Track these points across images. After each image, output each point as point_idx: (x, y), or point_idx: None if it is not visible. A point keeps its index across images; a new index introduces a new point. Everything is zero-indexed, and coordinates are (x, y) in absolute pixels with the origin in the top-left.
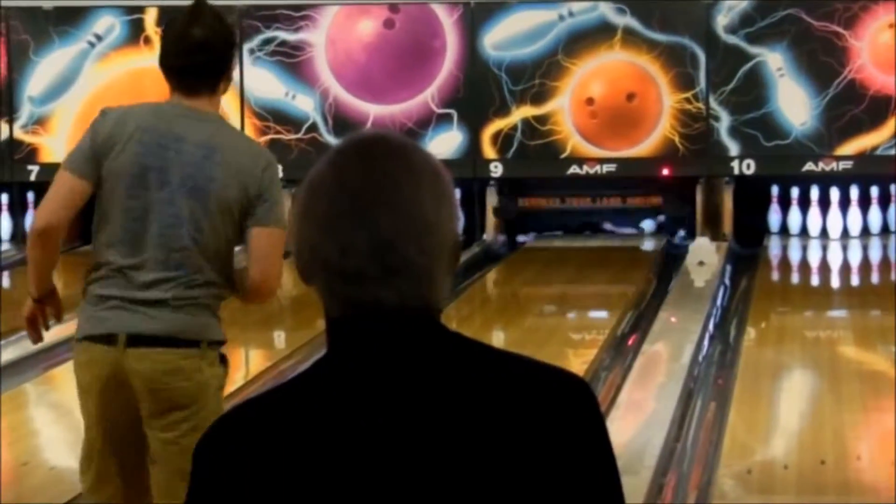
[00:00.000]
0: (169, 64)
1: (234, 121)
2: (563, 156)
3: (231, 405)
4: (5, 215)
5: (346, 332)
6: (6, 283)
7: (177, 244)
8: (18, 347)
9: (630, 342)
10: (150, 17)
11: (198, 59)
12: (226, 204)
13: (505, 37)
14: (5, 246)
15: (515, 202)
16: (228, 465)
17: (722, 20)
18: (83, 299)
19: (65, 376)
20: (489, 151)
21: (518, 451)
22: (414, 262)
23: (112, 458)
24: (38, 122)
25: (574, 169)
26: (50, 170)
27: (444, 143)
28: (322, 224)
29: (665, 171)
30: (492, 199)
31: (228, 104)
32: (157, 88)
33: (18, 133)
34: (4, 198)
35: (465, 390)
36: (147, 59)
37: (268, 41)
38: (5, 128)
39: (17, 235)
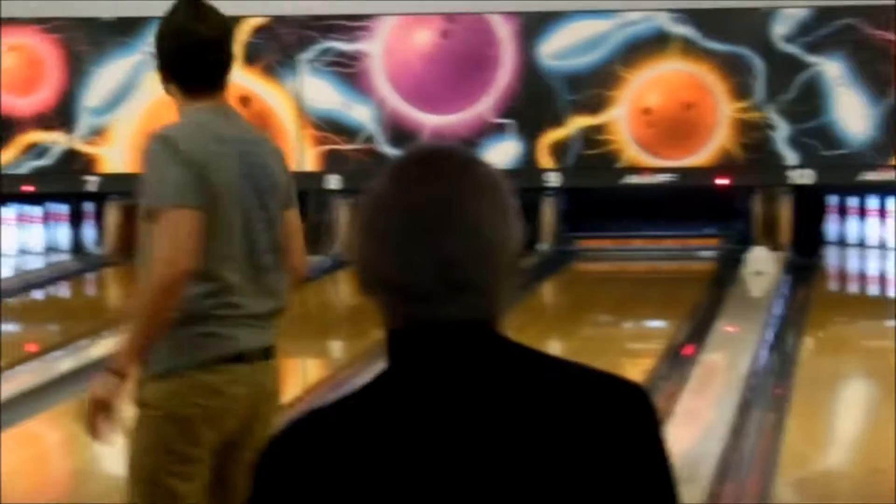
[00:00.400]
0: (195, 65)
1: (292, 131)
2: (620, 165)
3: (289, 417)
4: (65, 225)
5: (410, 345)
6: (65, 293)
7: (270, 251)
8: (79, 357)
9: (687, 352)
10: None
11: (222, 55)
12: (283, 194)
13: (561, 46)
14: (64, 256)
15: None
16: (290, 479)
17: (780, 29)
18: (179, 321)
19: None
20: (545, 161)
21: (579, 458)
22: (477, 279)
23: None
24: (96, 133)
25: (631, 178)
26: (108, 180)
27: (501, 153)
28: (385, 242)
29: (722, 181)
30: (547, 211)
31: (286, 114)
32: None
33: (77, 144)
34: (64, 208)
35: (529, 401)
36: None
37: (325, 51)
38: (65, 138)
39: (76, 247)
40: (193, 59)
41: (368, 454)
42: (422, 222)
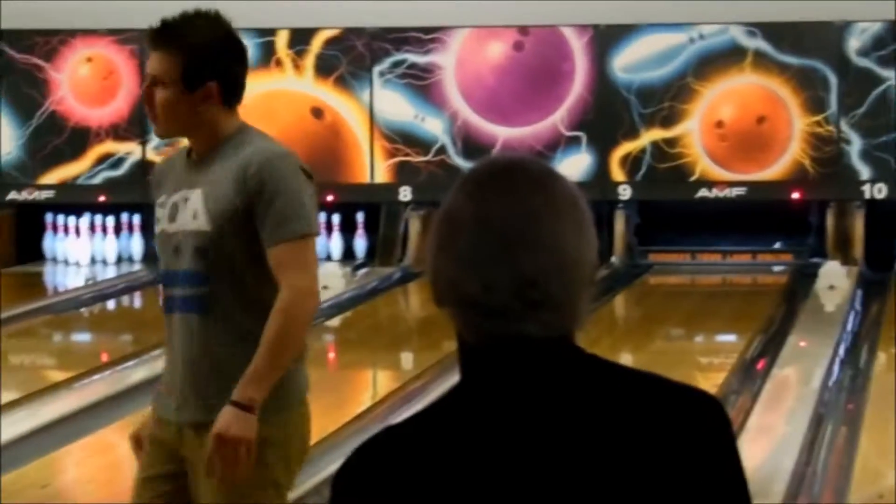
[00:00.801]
0: (244, 79)
1: (364, 143)
2: (692, 179)
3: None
4: (138, 236)
5: (487, 361)
6: (138, 303)
7: None
8: (151, 367)
9: (759, 366)
10: (282, 39)
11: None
12: None
13: (634, 59)
14: (136, 267)
15: None
16: (367, 497)
17: (854, 43)
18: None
19: None
20: (618, 174)
21: (658, 471)
22: (556, 296)
23: None
24: (170, 144)
25: (703, 192)
26: None
27: (573, 166)
28: (462, 260)
29: (795, 195)
30: (619, 224)
31: (358, 126)
32: (289, 110)
33: (151, 154)
34: (137, 219)
35: (608, 414)
36: (279, 81)
37: (397, 63)
38: (138, 149)
39: (148, 257)
40: (244, 72)
41: (446, 471)
42: (500, 240)
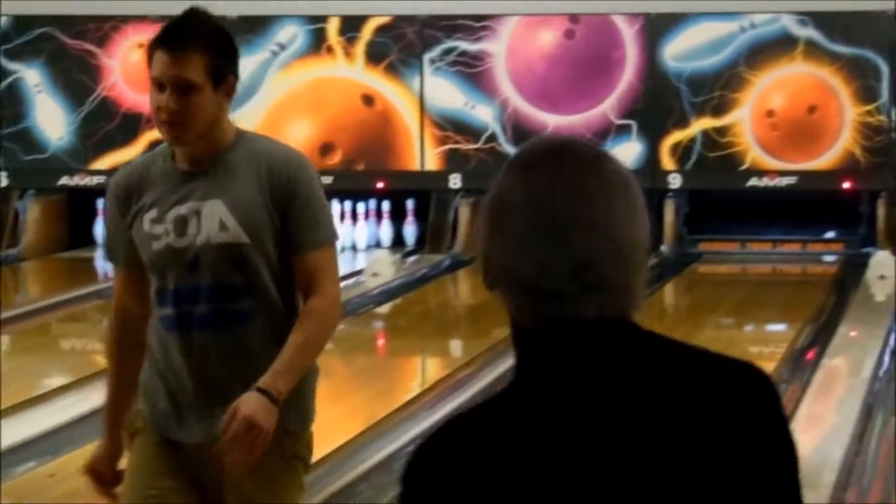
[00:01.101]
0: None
1: (414, 130)
2: (743, 168)
3: (418, 420)
4: None
5: (544, 344)
6: None
7: None
8: None
9: (809, 356)
10: (333, 27)
11: None
12: None
13: (685, 48)
14: None
15: None
16: (438, 486)
17: None
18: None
19: None
20: (668, 163)
21: (715, 445)
22: (612, 279)
23: None
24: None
25: (753, 181)
26: None
27: (623, 154)
28: (516, 244)
29: (846, 185)
30: (669, 213)
31: (408, 113)
32: (339, 97)
33: None
34: None
35: (667, 392)
36: (330, 68)
37: (448, 51)
38: None
39: None
40: None
41: (518, 458)
42: (553, 222)
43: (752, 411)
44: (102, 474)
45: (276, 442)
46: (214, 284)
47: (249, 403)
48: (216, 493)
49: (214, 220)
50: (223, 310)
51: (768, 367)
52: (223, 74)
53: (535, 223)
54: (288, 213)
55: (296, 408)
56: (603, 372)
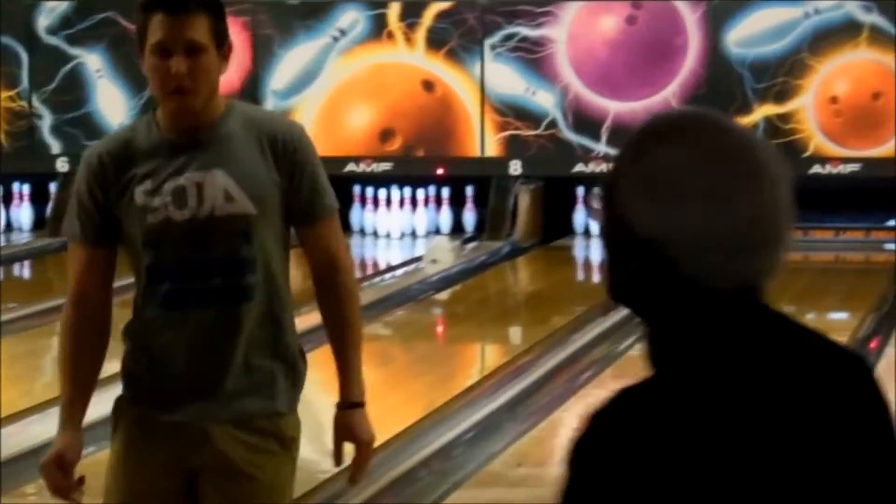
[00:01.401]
0: None
1: (475, 116)
2: (806, 155)
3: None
4: None
5: (735, 306)
6: None
7: None
8: None
9: (873, 345)
10: (394, 12)
11: None
12: None
13: (748, 34)
14: None
15: None
16: (611, 462)
17: None
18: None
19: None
20: None
21: (834, 429)
22: (773, 236)
23: None
24: (282, 115)
25: (817, 168)
26: None
27: None
28: (703, 199)
29: None
30: None
31: (469, 99)
32: (400, 83)
33: None
34: None
35: (804, 378)
36: (390, 53)
37: (509, 37)
38: None
39: None
40: None
41: (688, 430)
42: (728, 172)
43: (870, 397)
44: (59, 472)
45: (271, 422)
46: (222, 258)
47: (358, 426)
48: (209, 476)
49: (218, 190)
50: (230, 284)
51: None
52: (224, 37)
53: (712, 176)
54: (296, 183)
55: (287, 389)
56: (765, 351)
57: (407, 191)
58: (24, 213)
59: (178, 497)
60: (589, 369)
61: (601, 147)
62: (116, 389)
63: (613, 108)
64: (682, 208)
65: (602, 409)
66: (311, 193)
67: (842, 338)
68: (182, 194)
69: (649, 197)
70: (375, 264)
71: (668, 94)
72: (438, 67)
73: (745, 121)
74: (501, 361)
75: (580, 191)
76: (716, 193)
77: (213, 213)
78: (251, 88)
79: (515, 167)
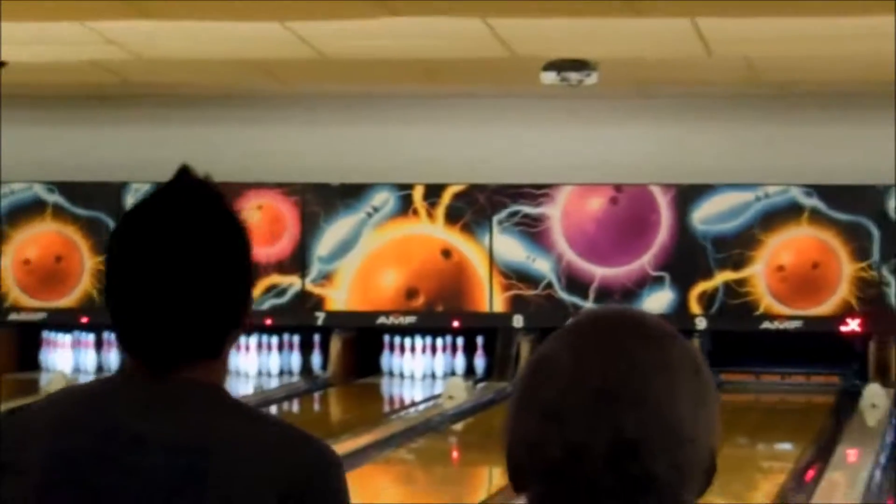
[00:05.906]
0: None
1: (485, 279)
2: (758, 313)
3: None
4: (297, 353)
5: None
6: (296, 409)
7: None
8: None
9: (812, 471)
10: (418, 193)
11: None
12: None
13: (711, 213)
14: (295, 378)
15: None
16: None
17: (892, 203)
18: None
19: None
20: (695, 308)
21: None
22: (659, 477)
23: None
24: (325, 278)
25: (766, 324)
26: (333, 316)
27: (658, 301)
28: (546, 415)
29: (844, 328)
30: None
31: (480, 264)
32: (423, 251)
33: (309, 286)
34: (297, 338)
35: None
36: (414, 227)
37: (513, 213)
38: (298, 281)
39: (305, 370)
40: None
41: None
42: (596, 391)
43: None
44: None
45: None
46: None
47: None
48: None
49: None
50: None
51: (778, 479)
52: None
53: (574, 391)
54: None
55: None
56: None
57: (428, 339)
58: None
59: None
60: None
61: (589, 304)
62: None
63: (599, 272)
64: (524, 419)
65: None
66: None
67: (787, 465)
68: None
69: (515, 389)
70: (401, 400)
71: (644, 262)
72: (455, 238)
73: (709, 284)
74: (506, 482)
75: None
76: (562, 407)
77: None
78: (301, 254)
79: (518, 321)
